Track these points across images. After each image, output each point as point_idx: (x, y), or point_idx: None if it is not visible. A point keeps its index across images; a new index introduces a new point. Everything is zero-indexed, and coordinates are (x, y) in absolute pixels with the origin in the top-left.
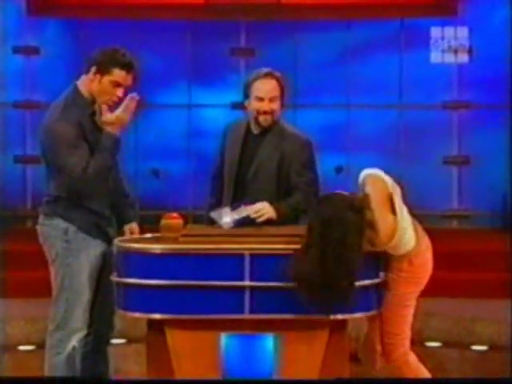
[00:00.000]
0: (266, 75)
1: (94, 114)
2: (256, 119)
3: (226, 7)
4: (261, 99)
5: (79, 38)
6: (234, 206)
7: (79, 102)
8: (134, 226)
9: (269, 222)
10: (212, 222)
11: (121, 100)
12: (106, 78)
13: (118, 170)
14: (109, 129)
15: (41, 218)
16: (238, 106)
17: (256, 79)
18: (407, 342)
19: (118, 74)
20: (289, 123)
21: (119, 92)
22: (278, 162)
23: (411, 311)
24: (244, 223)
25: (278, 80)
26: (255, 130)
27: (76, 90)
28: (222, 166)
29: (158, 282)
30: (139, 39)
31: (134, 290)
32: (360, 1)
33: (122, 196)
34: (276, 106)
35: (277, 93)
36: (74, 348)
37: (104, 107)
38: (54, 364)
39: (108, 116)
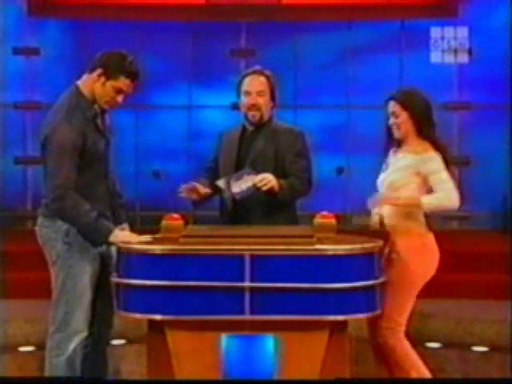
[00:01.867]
0: (255, 72)
1: (95, 115)
2: (246, 116)
3: (227, 8)
4: (248, 93)
5: (79, 38)
6: (238, 176)
7: (82, 104)
8: (125, 226)
9: (271, 194)
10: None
11: (119, 105)
12: (110, 83)
13: (111, 171)
14: (116, 236)
15: (40, 220)
16: (238, 106)
17: (245, 76)
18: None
19: (123, 81)
20: (282, 121)
21: (120, 98)
22: (273, 154)
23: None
24: (250, 193)
25: (267, 77)
26: (250, 128)
27: (78, 90)
28: (216, 162)
29: (159, 283)
30: (139, 40)
31: (135, 291)
32: (360, 2)
33: (115, 197)
34: (263, 100)
35: (264, 88)
36: (74, 350)
37: None
38: (54, 366)
39: (128, 236)
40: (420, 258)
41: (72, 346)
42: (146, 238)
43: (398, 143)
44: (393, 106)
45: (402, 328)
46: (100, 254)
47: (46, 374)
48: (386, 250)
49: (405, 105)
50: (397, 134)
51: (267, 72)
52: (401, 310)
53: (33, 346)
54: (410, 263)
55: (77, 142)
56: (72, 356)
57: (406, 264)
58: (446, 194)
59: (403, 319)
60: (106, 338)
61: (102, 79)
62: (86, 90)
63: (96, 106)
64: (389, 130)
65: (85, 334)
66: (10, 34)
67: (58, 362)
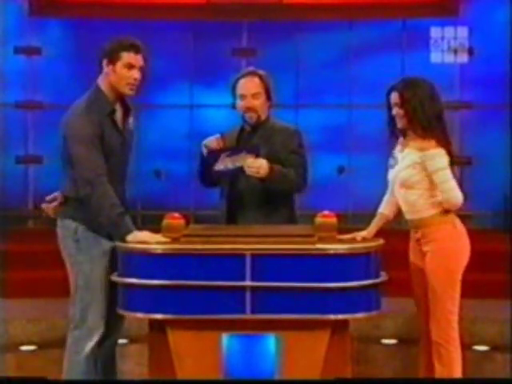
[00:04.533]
0: (248, 74)
1: (114, 112)
2: (243, 118)
3: (228, 7)
4: (243, 96)
5: (81, 38)
6: (235, 152)
7: (100, 99)
8: None
9: (261, 179)
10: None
11: (139, 82)
12: (119, 65)
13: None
14: (135, 236)
15: (57, 219)
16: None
17: (239, 78)
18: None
19: (127, 56)
20: (282, 120)
21: (135, 73)
22: (268, 153)
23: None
24: (231, 173)
25: (260, 78)
26: (247, 128)
27: (97, 88)
28: None
29: (160, 282)
30: (141, 39)
31: (136, 291)
32: (362, 1)
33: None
34: (259, 102)
35: (259, 89)
36: (92, 348)
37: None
38: (73, 362)
39: (147, 236)
40: (457, 240)
41: (90, 344)
42: (164, 238)
43: (403, 133)
44: (395, 97)
45: (457, 318)
46: (112, 250)
47: (64, 370)
48: (415, 246)
49: (407, 95)
50: (400, 124)
51: (261, 72)
52: (454, 299)
53: (34, 346)
54: (450, 249)
55: (96, 131)
56: (90, 354)
57: (447, 251)
58: (446, 196)
59: (457, 308)
60: (116, 336)
61: (111, 66)
62: (104, 87)
63: (117, 106)
64: (391, 121)
65: (101, 330)
66: (12, 33)
67: (77, 359)
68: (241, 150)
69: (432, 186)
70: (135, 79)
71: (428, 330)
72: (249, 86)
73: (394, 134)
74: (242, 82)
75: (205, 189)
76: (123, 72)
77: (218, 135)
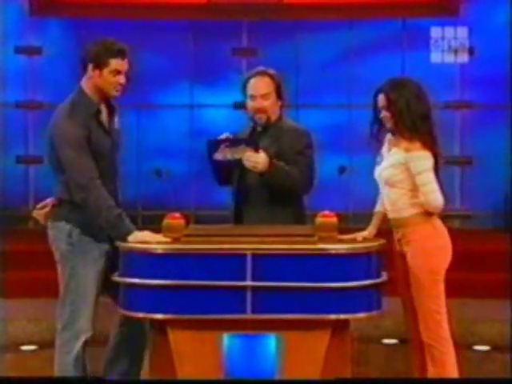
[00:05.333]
0: (259, 73)
1: (99, 112)
2: (253, 118)
3: (228, 7)
4: (253, 97)
5: (81, 37)
6: (235, 142)
7: (84, 101)
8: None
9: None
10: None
11: (124, 86)
12: (106, 71)
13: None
14: (135, 237)
15: (49, 222)
16: (241, 105)
17: (250, 78)
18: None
19: (115, 62)
20: (291, 119)
21: (121, 79)
22: (275, 153)
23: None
24: (233, 162)
25: (271, 77)
26: (258, 128)
27: (81, 90)
28: None
29: (160, 282)
30: (141, 39)
31: (136, 290)
32: (362, 1)
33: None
34: (268, 103)
35: (269, 90)
36: (81, 349)
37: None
38: (62, 363)
39: (148, 236)
40: (436, 240)
41: (79, 344)
42: (165, 238)
43: (393, 133)
44: (382, 99)
45: (445, 317)
46: (106, 253)
47: (55, 370)
48: (396, 246)
49: (393, 97)
50: (388, 125)
51: (271, 71)
52: (438, 299)
53: (35, 345)
54: (429, 249)
55: (83, 132)
56: (79, 355)
57: (426, 251)
58: (426, 198)
59: (443, 308)
60: (139, 341)
61: (97, 72)
62: (88, 89)
63: (102, 106)
64: (375, 122)
65: (90, 333)
66: (12, 32)
67: (66, 360)
68: (240, 142)
69: (415, 186)
70: (121, 84)
71: (418, 330)
72: (259, 85)
73: (376, 136)
74: (252, 81)
75: (206, 189)
76: (110, 78)
77: (227, 133)
